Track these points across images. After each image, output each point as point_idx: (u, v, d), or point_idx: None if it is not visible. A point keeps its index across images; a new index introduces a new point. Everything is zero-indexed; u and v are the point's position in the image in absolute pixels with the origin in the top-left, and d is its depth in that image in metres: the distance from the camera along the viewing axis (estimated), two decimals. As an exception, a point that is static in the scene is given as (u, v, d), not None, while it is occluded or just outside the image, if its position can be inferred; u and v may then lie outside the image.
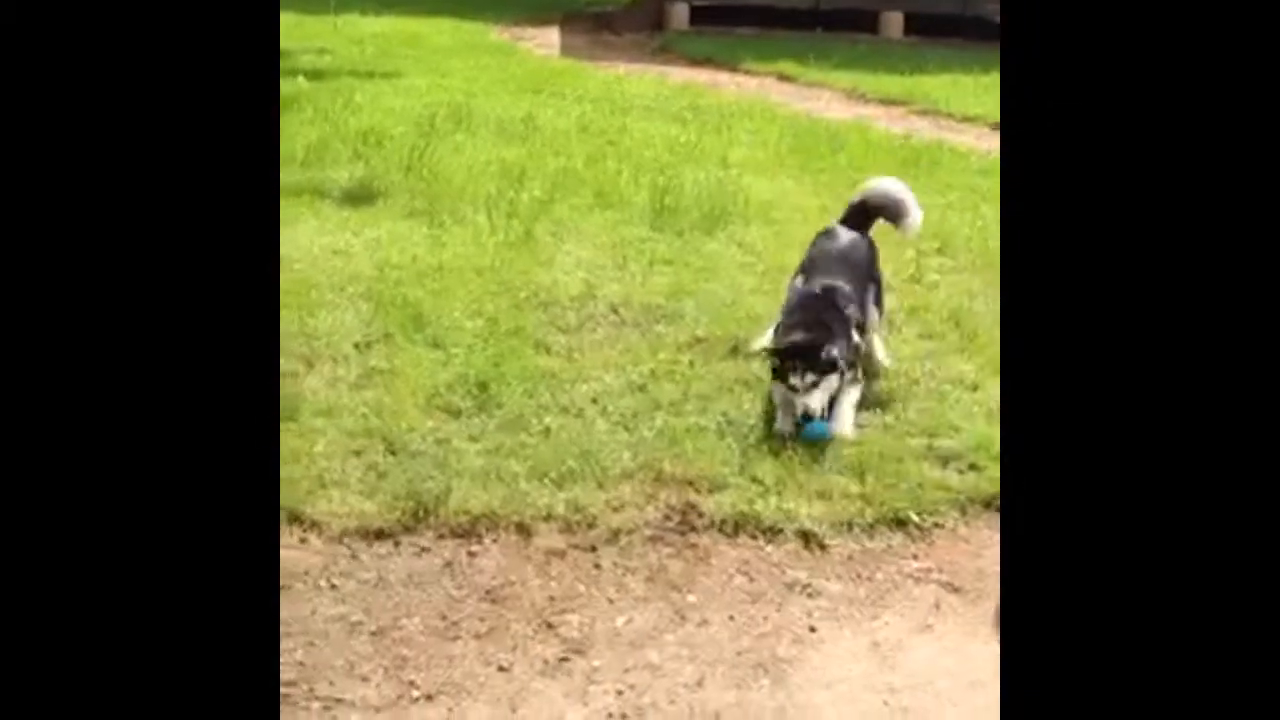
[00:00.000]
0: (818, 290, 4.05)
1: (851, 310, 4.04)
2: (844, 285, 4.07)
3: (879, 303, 4.32)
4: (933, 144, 7.92)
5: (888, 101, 9.69)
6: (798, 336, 3.87)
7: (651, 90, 9.31)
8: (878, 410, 3.95)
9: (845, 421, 3.83)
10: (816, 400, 3.76)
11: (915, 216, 4.40)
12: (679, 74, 10.40)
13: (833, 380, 3.80)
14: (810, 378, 3.76)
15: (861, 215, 4.39)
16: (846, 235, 4.30)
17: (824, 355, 3.78)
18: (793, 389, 3.77)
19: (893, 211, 4.39)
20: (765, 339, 4.30)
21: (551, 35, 12.40)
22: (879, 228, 4.45)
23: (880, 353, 4.28)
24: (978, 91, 9.77)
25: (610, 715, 2.64)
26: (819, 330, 3.87)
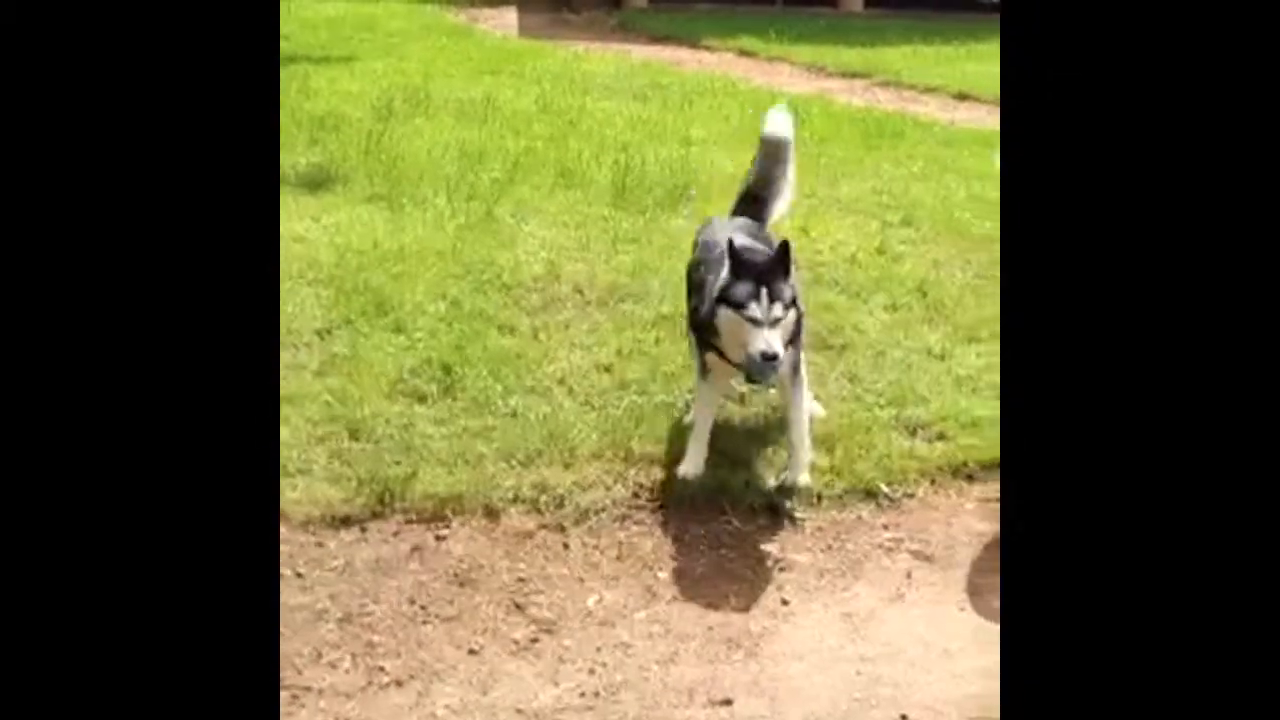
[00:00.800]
0: (754, 249, 3.19)
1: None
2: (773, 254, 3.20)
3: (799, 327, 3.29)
4: (895, 115, 7.90)
5: (849, 74, 9.66)
6: (759, 258, 3.12)
7: (611, 69, 9.23)
8: (845, 382, 3.94)
9: (801, 463, 3.33)
10: (779, 340, 3.04)
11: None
12: (639, 52, 10.32)
13: (790, 321, 3.12)
14: (777, 310, 3.04)
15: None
16: (749, 224, 3.52)
17: (790, 286, 3.10)
18: (754, 321, 3.02)
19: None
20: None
21: (509, 15, 12.28)
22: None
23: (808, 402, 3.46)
24: (939, 62, 9.76)
25: (583, 694, 2.62)
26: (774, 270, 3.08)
